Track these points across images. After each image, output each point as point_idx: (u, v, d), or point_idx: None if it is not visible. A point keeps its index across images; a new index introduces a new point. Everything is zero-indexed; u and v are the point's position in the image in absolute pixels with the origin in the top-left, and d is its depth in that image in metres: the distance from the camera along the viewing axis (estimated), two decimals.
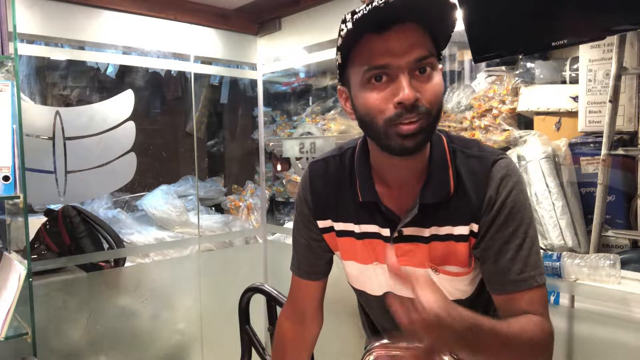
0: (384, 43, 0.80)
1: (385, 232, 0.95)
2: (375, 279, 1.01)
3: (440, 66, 0.88)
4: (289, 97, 3.39)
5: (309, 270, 1.09)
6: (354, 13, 0.78)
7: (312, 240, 1.07)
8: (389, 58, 0.80)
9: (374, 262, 0.99)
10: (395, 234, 0.94)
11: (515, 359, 0.82)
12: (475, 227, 0.91)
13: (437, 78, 0.84)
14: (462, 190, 0.90)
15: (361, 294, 1.08)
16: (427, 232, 0.93)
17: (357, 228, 0.99)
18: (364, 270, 1.01)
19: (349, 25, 0.79)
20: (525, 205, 0.90)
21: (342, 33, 0.81)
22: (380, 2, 0.75)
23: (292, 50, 2.57)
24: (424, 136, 0.83)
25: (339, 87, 0.93)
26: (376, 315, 1.10)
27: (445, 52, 2.18)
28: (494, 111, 1.99)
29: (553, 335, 0.87)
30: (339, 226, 1.02)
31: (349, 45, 0.83)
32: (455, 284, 0.95)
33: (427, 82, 0.82)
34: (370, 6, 0.76)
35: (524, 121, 1.99)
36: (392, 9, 0.76)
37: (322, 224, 1.04)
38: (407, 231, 0.93)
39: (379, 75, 0.81)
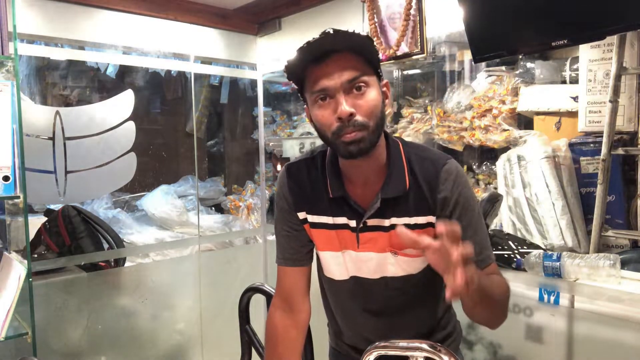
0: (323, 69, 0.98)
1: (353, 223, 1.10)
2: (343, 264, 1.14)
3: (385, 81, 1.06)
4: (289, 97, 3.39)
5: (293, 257, 1.18)
6: (297, 52, 0.98)
7: (293, 230, 1.18)
8: (327, 81, 0.98)
9: (343, 249, 1.13)
10: (361, 225, 1.09)
11: (495, 299, 1.00)
12: (432, 219, 1.06)
13: (372, 94, 1.00)
14: (416, 187, 1.06)
15: (329, 282, 1.20)
16: (387, 222, 1.07)
17: (331, 220, 1.12)
18: (335, 257, 1.14)
19: (295, 61, 0.99)
20: (473, 199, 1.08)
21: (289, 67, 1.01)
22: (311, 40, 0.96)
23: (292, 50, 2.56)
24: (365, 144, 0.99)
25: (305, 106, 1.10)
26: (341, 299, 1.20)
27: (446, 52, 2.19)
28: (494, 111, 1.99)
29: (509, 287, 1.06)
30: (313, 219, 1.15)
31: (299, 75, 1.02)
32: (410, 263, 1.10)
33: (361, 98, 0.99)
34: (306, 45, 0.97)
35: (524, 121, 1.99)
36: (323, 43, 0.96)
37: (301, 215, 1.16)
38: (371, 222, 1.08)
39: (323, 96, 1.00)
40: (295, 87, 1.08)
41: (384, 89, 1.06)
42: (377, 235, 1.08)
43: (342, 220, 1.11)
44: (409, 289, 1.13)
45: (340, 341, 1.26)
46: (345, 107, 0.97)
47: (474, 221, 1.06)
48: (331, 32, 0.96)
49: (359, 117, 0.98)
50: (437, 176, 1.05)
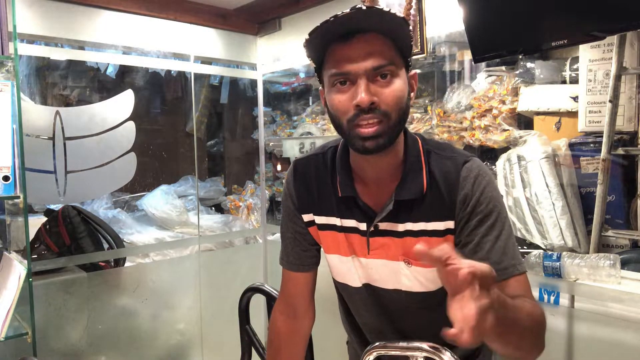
0: (346, 51, 0.88)
1: (363, 226, 1.01)
2: (355, 271, 1.06)
3: (414, 71, 0.96)
4: (289, 97, 3.39)
5: (297, 262, 1.13)
6: (320, 25, 0.87)
7: (298, 233, 1.12)
8: (349, 65, 0.88)
9: (352, 255, 1.05)
10: (372, 228, 1.00)
11: (523, 332, 0.80)
12: (451, 224, 0.96)
13: (398, 83, 0.90)
14: (435, 189, 0.96)
15: (343, 287, 1.12)
16: (400, 227, 0.98)
17: (339, 222, 1.04)
18: (345, 262, 1.07)
19: (316, 36, 0.88)
20: (499, 201, 0.95)
21: (309, 43, 0.90)
22: (339, 14, 0.84)
23: (292, 50, 2.57)
24: (384, 138, 0.90)
25: (320, 87, 1.00)
26: (357, 307, 1.13)
27: (446, 52, 2.19)
28: (494, 111, 1.99)
29: (545, 314, 0.88)
30: (321, 220, 1.07)
31: (319, 52, 0.92)
32: (427, 275, 0.99)
33: (386, 86, 0.89)
34: (332, 18, 0.85)
35: (524, 121, 1.99)
36: (351, 20, 0.84)
37: (305, 217, 1.10)
38: (383, 226, 0.99)
39: (343, 80, 0.90)
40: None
41: (412, 80, 0.96)
42: (389, 241, 0.99)
43: (350, 223, 1.03)
44: (433, 308, 0.98)
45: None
46: (365, 94, 0.86)
47: (498, 225, 0.93)
48: (363, 8, 0.83)
49: (381, 106, 0.88)
50: (457, 175, 0.95)
